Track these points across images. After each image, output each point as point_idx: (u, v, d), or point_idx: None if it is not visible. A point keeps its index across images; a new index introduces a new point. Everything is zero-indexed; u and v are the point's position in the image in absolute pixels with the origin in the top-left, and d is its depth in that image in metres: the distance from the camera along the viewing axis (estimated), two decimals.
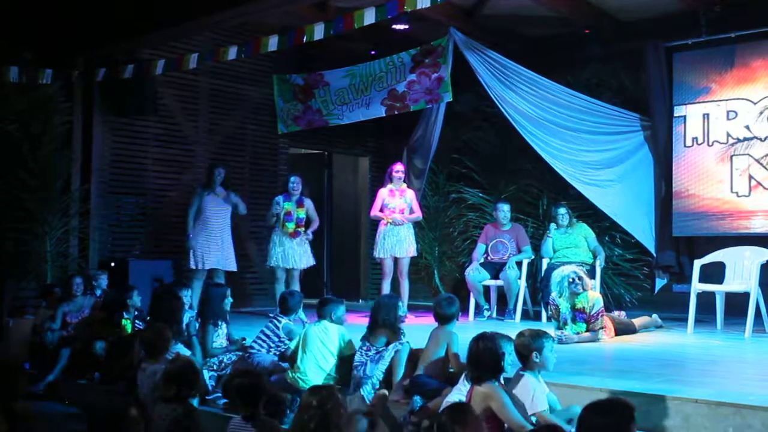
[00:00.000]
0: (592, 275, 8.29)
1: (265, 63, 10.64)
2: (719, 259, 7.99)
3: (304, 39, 7.74)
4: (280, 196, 9.30)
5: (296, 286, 9.03)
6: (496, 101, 8.69)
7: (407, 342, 5.82)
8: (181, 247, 9.22)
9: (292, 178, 9.39)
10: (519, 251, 9.08)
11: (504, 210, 9.22)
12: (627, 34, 9.47)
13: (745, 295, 7.53)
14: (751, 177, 8.61)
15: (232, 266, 9.15)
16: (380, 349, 5.80)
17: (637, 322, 7.86)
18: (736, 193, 8.70)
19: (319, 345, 5.96)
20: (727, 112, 8.78)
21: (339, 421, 4.15)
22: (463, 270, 9.40)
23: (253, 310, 9.81)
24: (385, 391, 5.51)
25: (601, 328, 7.25)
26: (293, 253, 9.19)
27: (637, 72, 9.50)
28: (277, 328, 6.50)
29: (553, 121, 8.72)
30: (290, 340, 6.47)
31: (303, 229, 9.23)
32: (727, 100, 8.79)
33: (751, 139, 8.63)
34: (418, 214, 9.31)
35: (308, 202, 9.37)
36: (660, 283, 9.02)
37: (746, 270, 7.72)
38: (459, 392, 4.79)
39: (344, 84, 9.07)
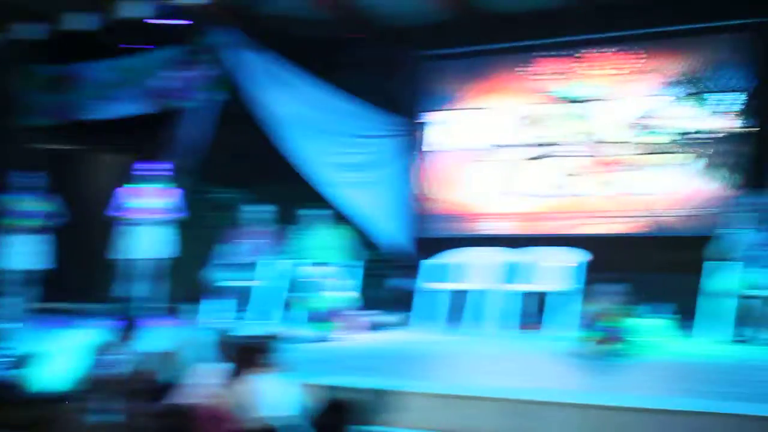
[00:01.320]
0: (344, 276, 8.41)
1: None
2: (457, 259, 8.38)
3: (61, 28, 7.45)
4: None
5: None
6: (254, 102, 8.72)
7: None
8: None
9: None
10: (273, 252, 8.98)
11: (258, 211, 9.12)
12: (387, 40, 9.76)
13: (487, 294, 7.94)
14: (492, 182, 9.33)
15: None
16: None
17: (377, 321, 8.15)
18: (478, 196, 9.40)
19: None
20: (472, 120, 9.44)
21: None
22: (211, 272, 9.09)
23: None
24: None
25: (340, 327, 7.51)
26: None
27: (394, 78, 9.85)
28: None
29: (310, 124, 8.95)
30: None
31: None
32: (471, 108, 9.45)
33: (494, 146, 9.33)
34: (178, 214, 9.13)
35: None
36: (403, 282, 9.20)
37: (485, 269, 8.16)
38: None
39: (106, 78, 8.80)
